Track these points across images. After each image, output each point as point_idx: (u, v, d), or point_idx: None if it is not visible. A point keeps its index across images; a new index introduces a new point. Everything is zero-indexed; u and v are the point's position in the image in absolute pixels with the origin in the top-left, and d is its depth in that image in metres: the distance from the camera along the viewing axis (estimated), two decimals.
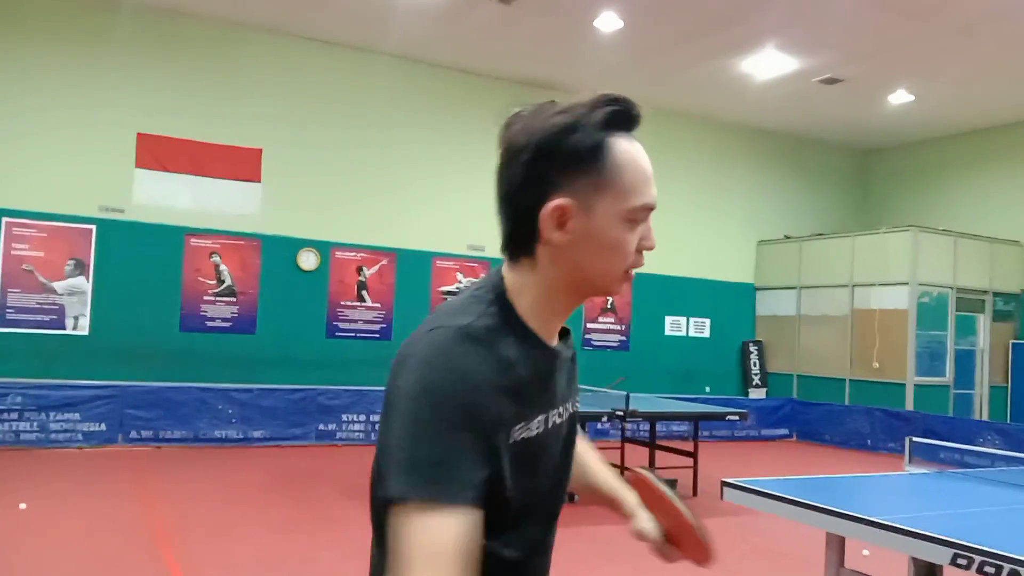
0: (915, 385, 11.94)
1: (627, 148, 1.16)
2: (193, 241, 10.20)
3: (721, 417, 8.12)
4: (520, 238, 1.18)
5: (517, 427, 1.12)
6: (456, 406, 1.05)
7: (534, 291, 1.18)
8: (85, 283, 9.60)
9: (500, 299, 1.17)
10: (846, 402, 12.63)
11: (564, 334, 1.28)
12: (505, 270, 1.21)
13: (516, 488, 1.13)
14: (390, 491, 1.03)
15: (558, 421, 1.23)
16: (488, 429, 1.07)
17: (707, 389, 13.23)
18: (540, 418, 1.17)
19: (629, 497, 1.44)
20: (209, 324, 10.24)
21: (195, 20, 10.21)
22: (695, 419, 8.15)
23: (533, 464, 1.17)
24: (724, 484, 3.81)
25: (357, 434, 10.11)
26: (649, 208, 1.18)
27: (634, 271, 1.20)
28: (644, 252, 1.20)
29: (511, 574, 1.18)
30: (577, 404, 1.32)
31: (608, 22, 9.80)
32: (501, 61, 11.34)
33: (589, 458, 1.51)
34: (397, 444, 1.05)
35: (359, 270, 11.19)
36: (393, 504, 1.02)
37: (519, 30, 10.23)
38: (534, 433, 1.16)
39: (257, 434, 9.57)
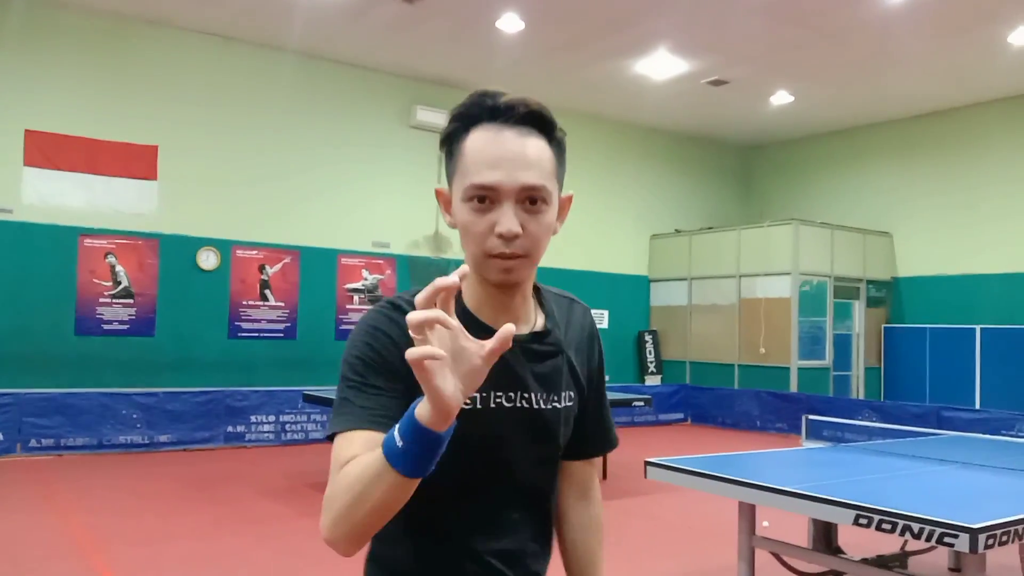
0: (798, 368, 12.76)
1: (479, 135, 1.22)
2: (87, 241, 9.87)
3: (629, 404, 8.51)
4: None
5: None
6: (363, 352, 1.21)
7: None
8: None
9: None
10: (736, 386, 13.35)
11: (543, 332, 1.34)
12: None
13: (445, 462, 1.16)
14: (327, 431, 1.22)
15: (508, 406, 1.27)
16: (400, 370, 1.16)
17: (607, 377, 13.66)
18: (473, 395, 1.16)
19: None
20: (106, 327, 9.93)
21: (85, 12, 9.85)
22: None
23: (464, 439, 1.14)
24: (647, 463, 4.11)
25: (267, 435, 10.03)
26: (479, 187, 1.19)
27: (506, 261, 1.21)
28: (508, 240, 1.19)
29: (446, 546, 1.27)
30: (557, 402, 1.34)
31: (510, 23, 10.04)
32: (404, 59, 11.42)
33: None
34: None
35: (261, 268, 11.07)
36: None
37: (422, 29, 10.34)
38: (466, 407, 1.16)
39: (164, 438, 9.37)
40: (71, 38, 9.79)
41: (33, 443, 8.72)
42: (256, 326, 10.96)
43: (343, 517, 1.07)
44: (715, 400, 13.35)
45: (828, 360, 13.22)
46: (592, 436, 1.49)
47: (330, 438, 1.20)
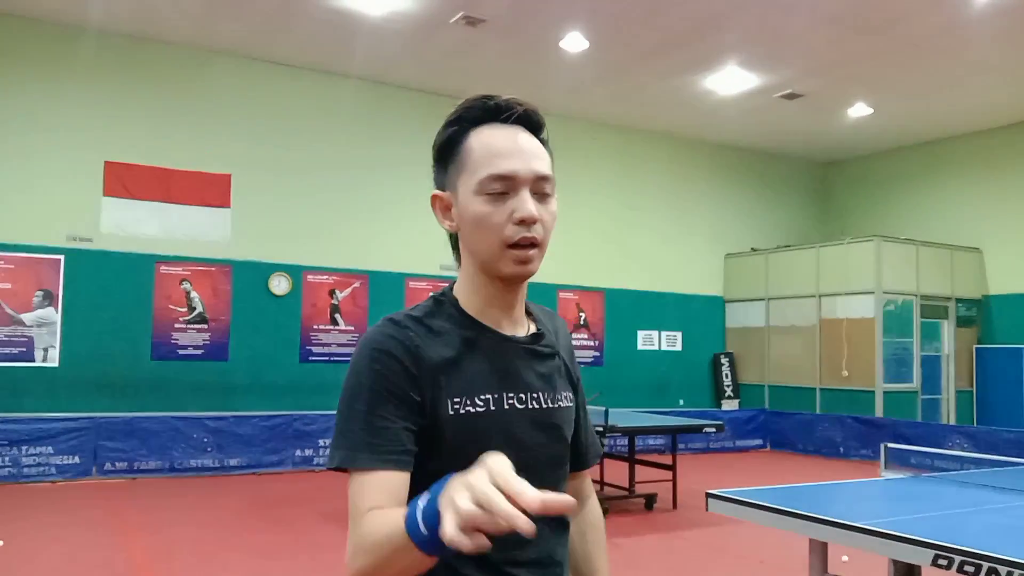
0: (884, 392, 12.15)
1: (484, 133, 1.28)
2: (163, 268, 10.12)
3: (699, 430, 8.21)
4: (450, 239, 1.36)
5: (456, 400, 1.24)
6: (370, 380, 1.20)
7: (463, 282, 1.33)
8: (54, 314, 9.48)
9: (440, 295, 1.34)
10: (817, 411, 12.81)
11: (540, 335, 1.37)
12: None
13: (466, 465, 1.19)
14: (332, 460, 1.21)
15: (520, 407, 1.29)
16: (409, 395, 1.21)
17: (681, 402, 13.35)
18: (487, 396, 1.26)
19: None
20: (181, 352, 10.15)
21: (161, 46, 10.19)
22: (674, 433, 8.23)
23: (483, 442, 1.20)
24: (709, 495, 3.88)
25: None
26: (497, 177, 1.23)
27: (524, 251, 1.24)
28: (528, 224, 1.23)
29: (468, 560, 1.21)
30: (561, 401, 1.36)
31: (574, 42, 9.94)
32: (468, 82, 11.41)
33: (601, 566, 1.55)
34: (336, 418, 1.24)
35: (331, 293, 11.17)
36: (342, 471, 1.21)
37: (486, 51, 10.33)
38: (481, 410, 1.25)
39: (233, 462, 9.48)
40: (148, 71, 10.12)
41: (108, 466, 8.92)
42: (327, 350, 11.04)
43: (369, 574, 1.09)
44: (795, 426, 12.82)
45: (916, 383, 12.57)
46: (586, 447, 1.51)
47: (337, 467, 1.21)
